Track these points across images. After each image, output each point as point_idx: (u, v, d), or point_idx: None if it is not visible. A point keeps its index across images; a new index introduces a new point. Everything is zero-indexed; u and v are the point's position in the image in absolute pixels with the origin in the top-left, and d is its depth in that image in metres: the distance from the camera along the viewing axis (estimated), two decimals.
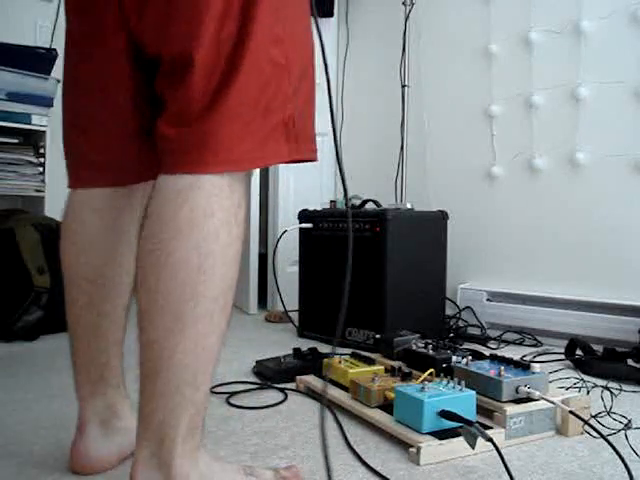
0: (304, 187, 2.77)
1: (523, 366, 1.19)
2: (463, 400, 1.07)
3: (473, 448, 0.98)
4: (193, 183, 0.75)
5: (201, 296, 0.74)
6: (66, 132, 0.94)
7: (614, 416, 1.23)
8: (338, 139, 0.77)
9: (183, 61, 0.76)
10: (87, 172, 0.93)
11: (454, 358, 1.29)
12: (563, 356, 1.76)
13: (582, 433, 1.14)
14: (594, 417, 1.18)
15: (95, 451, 0.94)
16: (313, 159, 0.88)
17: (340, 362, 1.38)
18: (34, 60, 2.33)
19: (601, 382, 1.49)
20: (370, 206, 2.10)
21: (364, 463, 1.00)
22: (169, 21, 0.77)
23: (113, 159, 0.91)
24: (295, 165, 2.76)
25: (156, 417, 0.75)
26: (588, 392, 1.40)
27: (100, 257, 0.93)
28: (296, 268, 2.22)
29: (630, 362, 1.63)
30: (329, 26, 2.92)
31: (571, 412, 1.11)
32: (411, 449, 1.02)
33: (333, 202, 2.16)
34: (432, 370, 1.22)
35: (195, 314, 0.73)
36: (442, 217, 2.10)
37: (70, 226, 0.95)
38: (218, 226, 0.75)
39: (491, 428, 1.08)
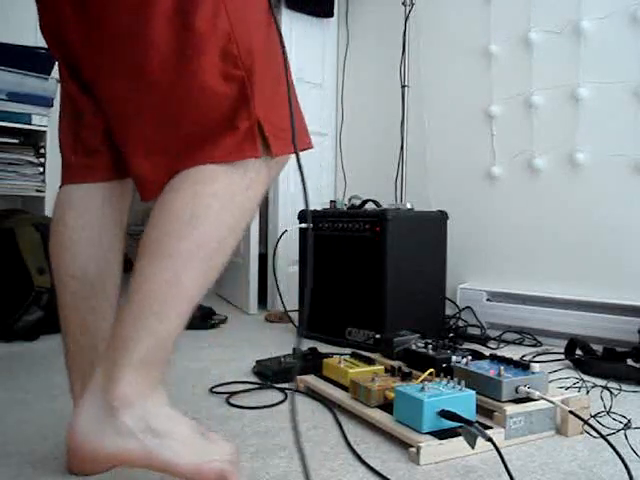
0: None
1: (523, 366, 1.19)
2: (463, 400, 1.07)
3: (473, 448, 0.98)
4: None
5: (186, 238, 0.81)
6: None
7: (614, 416, 1.23)
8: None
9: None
10: (68, 170, 1.00)
11: (454, 358, 1.29)
12: (563, 356, 1.76)
13: (582, 433, 1.14)
14: (594, 417, 1.18)
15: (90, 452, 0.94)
16: (302, 149, 0.92)
17: (340, 362, 1.38)
18: (34, 60, 2.32)
19: (601, 382, 1.49)
20: (370, 206, 2.10)
21: (364, 463, 1.00)
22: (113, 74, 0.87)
23: (88, 158, 0.98)
24: (295, 165, 2.76)
25: (119, 335, 0.81)
26: (588, 392, 1.40)
27: (82, 255, 0.96)
28: (296, 268, 2.22)
29: (630, 362, 1.63)
30: (329, 26, 2.92)
31: (571, 412, 1.11)
32: (411, 449, 1.02)
33: (333, 202, 2.16)
34: (432, 370, 1.22)
35: (177, 250, 0.80)
36: (442, 217, 2.10)
37: (55, 226, 0.98)
38: (219, 188, 0.83)
39: (491, 428, 1.08)
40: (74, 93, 0.96)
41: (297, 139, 0.86)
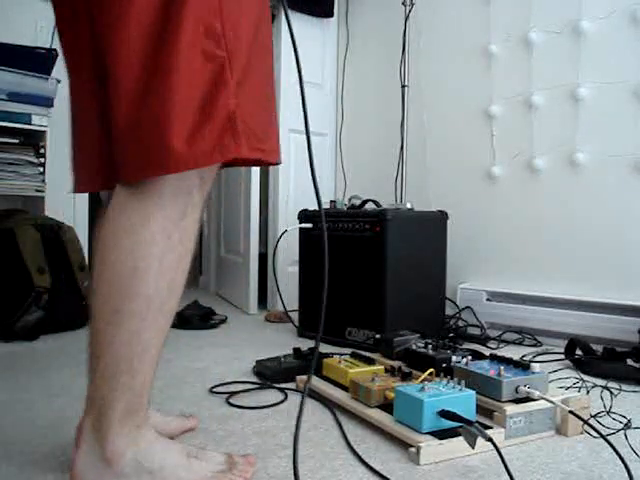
0: (304, 187, 2.77)
1: (523, 366, 1.19)
2: (463, 400, 1.07)
3: (473, 448, 0.98)
4: (133, 192, 0.81)
5: (135, 295, 0.80)
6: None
7: (614, 416, 1.23)
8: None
9: (107, 71, 0.79)
10: (77, 177, 0.97)
11: (454, 358, 1.29)
12: (563, 356, 1.76)
13: (582, 433, 1.14)
14: (594, 417, 1.18)
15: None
16: (268, 160, 0.88)
17: (340, 362, 1.38)
18: (34, 60, 2.33)
19: (601, 382, 1.49)
20: (370, 206, 2.10)
21: (364, 463, 1.00)
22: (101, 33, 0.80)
23: (92, 164, 0.93)
24: (295, 165, 2.77)
25: (97, 395, 0.84)
26: (588, 392, 1.40)
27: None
28: (296, 268, 2.22)
29: (630, 362, 1.63)
30: (329, 26, 2.92)
31: (571, 412, 1.11)
32: (411, 449, 1.02)
33: (333, 202, 2.16)
34: (432, 370, 1.22)
35: (130, 310, 0.81)
36: (442, 217, 2.10)
37: (96, 232, 0.96)
38: (155, 232, 0.81)
39: (491, 428, 1.08)
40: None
41: (271, 152, 0.85)
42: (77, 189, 0.98)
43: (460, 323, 2.21)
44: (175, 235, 0.82)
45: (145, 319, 0.81)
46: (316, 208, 2.17)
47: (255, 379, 1.52)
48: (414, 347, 1.41)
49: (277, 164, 0.92)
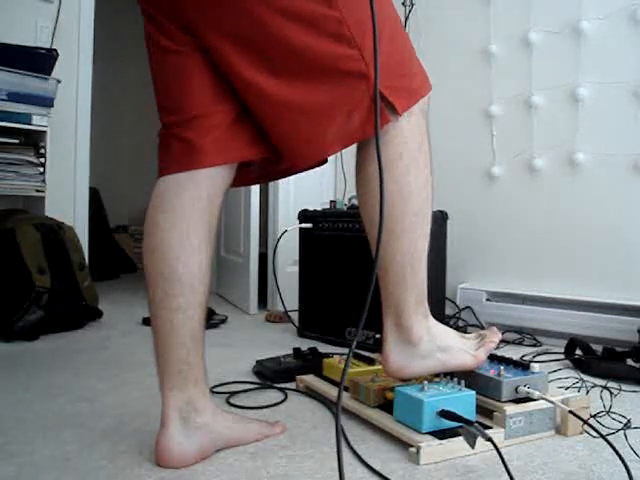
0: (304, 187, 2.77)
1: (523, 366, 1.19)
2: (463, 400, 1.07)
3: (473, 448, 0.98)
4: (408, 121, 1.12)
5: (405, 214, 1.06)
6: None
7: (613, 416, 1.23)
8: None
9: None
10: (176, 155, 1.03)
11: None
12: (563, 356, 1.76)
13: (581, 433, 1.14)
14: (593, 417, 1.18)
15: (176, 446, 0.96)
16: (422, 95, 1.21)
17: (340, 362, 1.38)
18: (34, 60, 2.33)
19: (600, 382, 1.49)
20: None
21: (364, 463, 1.00)
22: None
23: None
24: None
25: (392, 298, 1.08)
26: (587, 392, 1.40)
27: (171, 254, 0.98)
28: (296, 268, 2.22)
29: (629, 362, 1.63)
30: None
31: (570, 412, 1.11)
32: (411, 449, 1.02)
33: (333, 202, 2.16)
34: None
35: (404, 227, 1.06)
36: (442, 217, 2.10)
37: (148, 228, 1.01)
38: (408, 164, 1.07)
39: (491, 428, 1.08)
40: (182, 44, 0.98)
41: (409, 91, 1.11)
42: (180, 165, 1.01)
43: (460, 323, 2.21)
44: (421, 160, 1.14)
45: (416, 230, 1.07)
46: (316, 208, 2.17)
47: (255, 379, 1.52)
48: None
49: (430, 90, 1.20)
